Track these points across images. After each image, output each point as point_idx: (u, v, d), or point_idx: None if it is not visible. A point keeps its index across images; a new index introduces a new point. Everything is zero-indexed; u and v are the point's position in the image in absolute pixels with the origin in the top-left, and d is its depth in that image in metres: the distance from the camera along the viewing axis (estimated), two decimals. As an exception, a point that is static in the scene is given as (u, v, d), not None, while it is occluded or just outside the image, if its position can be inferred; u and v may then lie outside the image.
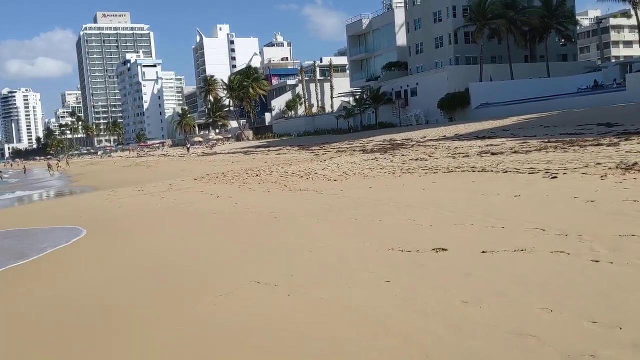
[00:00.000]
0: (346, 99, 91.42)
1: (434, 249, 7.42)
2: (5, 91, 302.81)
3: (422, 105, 61.34)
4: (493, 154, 21.27)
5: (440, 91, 57.02)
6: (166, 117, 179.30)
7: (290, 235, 9.93)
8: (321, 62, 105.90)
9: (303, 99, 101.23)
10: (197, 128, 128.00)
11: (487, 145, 25.40)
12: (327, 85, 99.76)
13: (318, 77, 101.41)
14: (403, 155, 25.01)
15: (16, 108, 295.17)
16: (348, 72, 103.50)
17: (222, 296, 6.54)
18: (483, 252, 7.03)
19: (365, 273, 6.71)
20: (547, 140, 23.81)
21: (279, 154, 44.63)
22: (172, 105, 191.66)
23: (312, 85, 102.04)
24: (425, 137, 38.52)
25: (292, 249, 8.67)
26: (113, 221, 14.37)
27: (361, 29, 79.15)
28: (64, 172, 68.41)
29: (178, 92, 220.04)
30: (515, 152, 20.83)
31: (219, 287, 6.94)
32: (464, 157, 21.11)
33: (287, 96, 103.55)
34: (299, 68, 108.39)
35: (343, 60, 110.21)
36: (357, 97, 73.04)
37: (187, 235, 11.37)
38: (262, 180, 20.37)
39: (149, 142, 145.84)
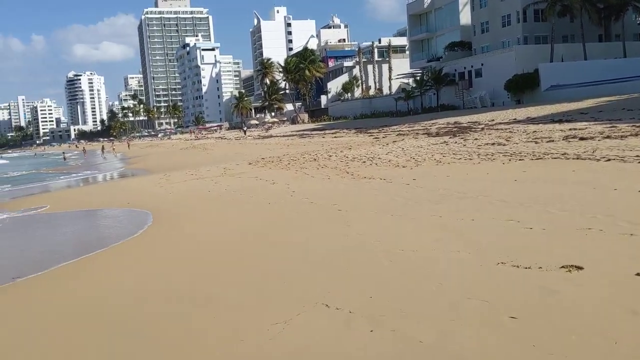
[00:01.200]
0: (405, 81, 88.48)
1: (563, 266, 5.49)
2: (71, 74, 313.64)
3: (486, 87, 58.05)
4: (582, 138, 18.76)
5: (507, 72, 53.61)
6: (224, 100, 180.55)
7: (360, 234, 8.18)
8: (379, 42, 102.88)
9: (360, 81, 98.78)
10: (253, 111, 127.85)
11: (570, 130, 22.75)
12: (385, 67, 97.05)
13: (376, 58, 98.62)
14: (476, 139, 22.69)
15: (81, 91, 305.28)
16: (407, 52, 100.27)
17: (279, 324, 4.89)
18: (637, 274, 5.06)
19: (475, 301, 4.87)
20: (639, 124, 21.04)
21: (335, 137, 42.86)
22: (229, 89, 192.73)
23: (370, 67, 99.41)
24: (493, 120, 35.87)
25: (366, 256, 6.91)
26: (160, 211, 13.09)
27: (422, 7, 75.81)
28: (123, 153, 69.08)
29: (235, 76, 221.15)
30: (608, 137, 18.27)
31: (274, 310, 5.29)
32: (547, 141, 18.70)
33: (344, 78, 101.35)
34: (357, 49, 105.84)
35: (402, 41, 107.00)
36: (418, 78, 70.30)
37: (237, 232, 9.82)
38: (321, 165, 18.69)
39: (207, 125, 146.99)
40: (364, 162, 18.44)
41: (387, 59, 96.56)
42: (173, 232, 10.54)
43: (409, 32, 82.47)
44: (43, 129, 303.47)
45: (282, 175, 16.98)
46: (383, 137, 35.41)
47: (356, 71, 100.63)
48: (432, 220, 8.53)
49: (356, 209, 10.26)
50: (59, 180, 32.97)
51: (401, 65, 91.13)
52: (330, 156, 21.45)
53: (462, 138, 24.06)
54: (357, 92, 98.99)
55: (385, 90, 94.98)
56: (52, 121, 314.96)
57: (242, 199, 13.27)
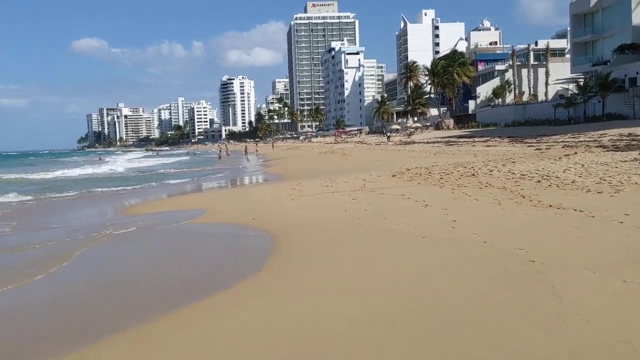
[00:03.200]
0: (564, 86, 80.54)
1: None
2: (224, 78, 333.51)
3: (666, 94, 49.66)
4: None
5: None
6: (365, 104, 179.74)
7: (589, 321, 4.92)
8: (536, 45, 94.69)
9: (512, 86, 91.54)
10: (394, 115, 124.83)
11: None
12: (541, 71, 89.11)
13: (531, 61, 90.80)
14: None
15: (233, 94, 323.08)
16: (567, 56, 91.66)
17: None
18: None
19: None
20: None
21: (488, 146, 38.51)
22: (371, 93, 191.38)
23: (524, 71, 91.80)
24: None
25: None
26: (286, 236, 10.68)
27: (588, 6, 67.54)
28: (264, 155, 69.72)
29: (378, 80, 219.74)
30: None
31: None
32: None
33: (494, 82, 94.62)
34: (509, 52, 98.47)
35: (561, 44, 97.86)
36: (580, 83, 62.65)
37: (388, 289, 6.87)
38: (482, 182, 15.20)
39: (347, 129, 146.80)
40: (539, 181, 14.66)
41: (544, 62, 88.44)
42: (298, 273, 7.89)
43: (571, 33, 74.23)
44: (198, 128, 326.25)
45: (435, 194, 13.81)
46: (547, 149, 30.64)
47: (508, 75, 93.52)
48: None
49: (556, 261, 6.92)
50: (194, 181, 32.62)
51: (559, 69, 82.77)
52: (491, 171, 17.82)
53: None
54: (509, 98, 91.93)
55: (541, 97, 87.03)
56: (207, 121, 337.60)
57: (386, 226, 10.36)
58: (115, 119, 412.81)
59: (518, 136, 48.43)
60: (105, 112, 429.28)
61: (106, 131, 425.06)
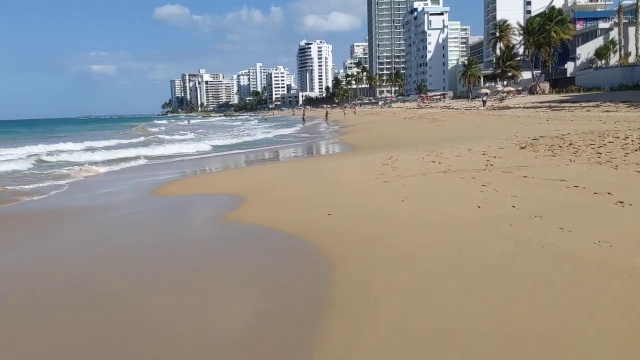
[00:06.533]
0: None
1: None
2: (302, 43, 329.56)
3: None
4: None
5: None
6: (448, 68, 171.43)
7: None
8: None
9: (618, 46, 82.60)
10: (481, 79, 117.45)
11: None
12: (652, 29, 79.71)
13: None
14: None
15: (310, 59, 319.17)
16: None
17: None
18: None
19: None
20: None
21: (606, 112, 33.36)
22: (454, 56, 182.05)
23: (631, 30, 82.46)
24: None
25: None
26: (397, 259, 6.23)
27: None
28: (338, 121, 66.43)
29: (462, 43, 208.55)
30: None
31: None
32: None
33: (597, 42, 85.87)
34: (615, 9, 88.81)
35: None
36: None
37: None
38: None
39: (430, 94, 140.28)
40: None
41: (657, 18, 78.92)
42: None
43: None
44: (275, 94, 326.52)
45: (614, 178, 9.29)
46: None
47: (613, 34, 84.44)
48: None
49: None
50: (271, 150, 29.98)
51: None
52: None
53: None
54: (613, 60, 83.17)
55: (649, 58, 78.04)
56: (284, 87, 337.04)
57: (567, 243, 6.11)
58: (197, 85, 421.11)
59: (635, 100, 42.50)
60: (187, 78, 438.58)
61: (188, 97, 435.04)
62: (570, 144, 14.03)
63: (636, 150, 11.92)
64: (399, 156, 14.99)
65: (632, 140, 13.70)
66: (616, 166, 10.22)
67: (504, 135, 20.32)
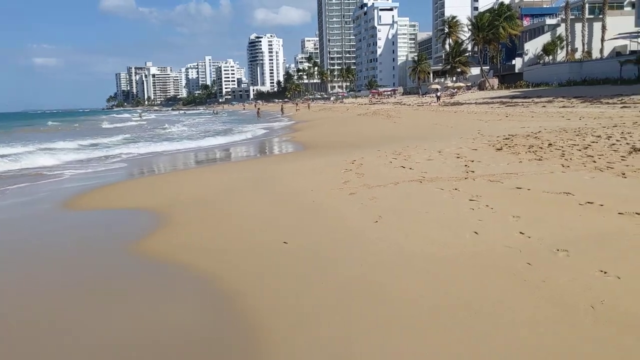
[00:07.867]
0: (624, 42, 73.28)
1: None
2: (252, 36, 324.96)
3: None
4: None
5: None
6: (398, 63, 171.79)
7: None
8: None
9: (565, 42, 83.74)
10: (431, 75, 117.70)
11: None
12: (596, 26, 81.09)
13: (586, 15, 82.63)
14: None
15: (261, 53, 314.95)
16: (628, 8, 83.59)
17: None
18: None
19: None
20: None
21: (563, 107, 32.66)
22: (404, 52, 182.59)
23: (577, 26, 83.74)
24: None
25: None
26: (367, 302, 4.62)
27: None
28: (292, 117, 64.67)
29: (411, 39, 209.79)
30: None
31: None
32: None
33: (545, 38, 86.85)
34: (560, 5, 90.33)
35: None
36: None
37: None
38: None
39: (380, 89, 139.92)
40: None
41: (600, 16, 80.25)
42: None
43: (638, -19, 66.61)
44: (226, 88, 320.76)
45: (625, 188, 7.72)
46: (648, 110, 24.97)
47: (560, 30, 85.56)
48: None
49: None
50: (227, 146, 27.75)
51: (617, 23, 75.28)
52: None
53: None
54: (560, 55, 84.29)
55: (595, 54, 79.33)
56: (234, 81, 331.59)
57: (600, 289, 4.36)
58: (144, 78, 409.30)
59: (587, 96, 42.39)
60: (133, 71, 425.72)
61: (134, 90, 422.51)
62: (550, 144, 12.50)
63: (631, 152, 10.48)
64: (363, 159, 13.08)
65: (617, 140, 12.30)
66: (623, 173, 8.63)
67: (467, 133, 18.86)
